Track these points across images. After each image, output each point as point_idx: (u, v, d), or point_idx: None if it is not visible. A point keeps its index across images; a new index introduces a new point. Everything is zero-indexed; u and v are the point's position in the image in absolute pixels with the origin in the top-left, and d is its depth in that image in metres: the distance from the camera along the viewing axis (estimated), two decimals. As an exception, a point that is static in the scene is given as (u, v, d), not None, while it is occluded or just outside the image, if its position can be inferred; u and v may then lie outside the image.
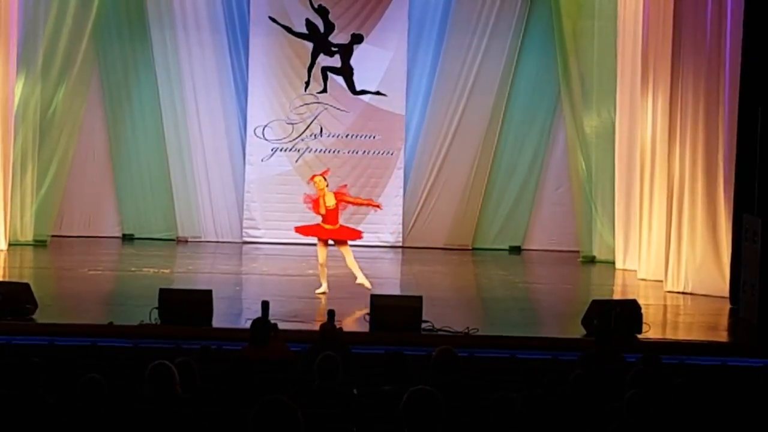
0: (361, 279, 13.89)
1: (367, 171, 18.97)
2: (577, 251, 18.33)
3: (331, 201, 13.81)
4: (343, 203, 14.10)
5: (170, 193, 18.88)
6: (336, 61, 18.90)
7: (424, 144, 19.08)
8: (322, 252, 13.90)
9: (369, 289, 13.50)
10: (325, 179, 13.90)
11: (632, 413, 6.36)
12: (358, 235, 14.36)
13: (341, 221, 14.12)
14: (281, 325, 10.06)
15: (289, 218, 18.92)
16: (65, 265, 16.51)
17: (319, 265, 13.96)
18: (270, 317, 10.19)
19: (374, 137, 19.00)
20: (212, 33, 18.79)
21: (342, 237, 14.01)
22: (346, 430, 6.65)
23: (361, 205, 15.37)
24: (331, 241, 14.02)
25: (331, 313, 10.25)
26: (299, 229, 14.54)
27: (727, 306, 13.96)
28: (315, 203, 13.92)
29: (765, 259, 12.99)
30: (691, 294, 14.75)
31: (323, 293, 13.82)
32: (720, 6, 14.44)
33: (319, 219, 13.97)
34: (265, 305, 10.56)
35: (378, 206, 15.34)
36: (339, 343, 9.27)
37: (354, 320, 12.49)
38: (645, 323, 12.00)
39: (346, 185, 15.06)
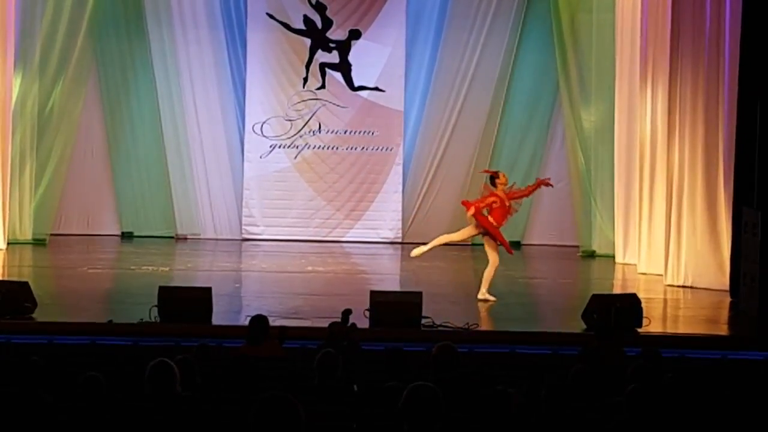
0: (482, 293, 13.45)
1: (366, 167, 18.97)
2: (577, 246, 18.33)
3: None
4: (512, 199, 13.48)
5: (169, 190, 18.86)
6: (334, 57, 18.88)
7: (423, 140, 19.07)
8: (470, 231, 13.50)
9: (491, 301, 13.40)
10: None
11: (633, 407, 6.34)
12: (508, 249, 13.71)
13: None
14: (280, 323, 10.04)
15: (288, 215, 19.00)
16: (64, 263, 16.49)
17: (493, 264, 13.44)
18: (269, 314, 10.16)
19: (373, 133, 18.99)
20: (210, 29, 18.77)
21: (499, 237, 13.48)
22: (346, 427, 6.64)
23: (528, 193, 13.91)
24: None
25: (346, 312, 10.20)
26: (470, 205, 13.55)
27: (728, 299, 13.96)
28: (499, 198, 13.35)
29: (765, 252, 12.98)
30: (691, 287, 14.75)
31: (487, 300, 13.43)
32: (719, -1, 14.43)
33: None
34: (346, 313, 10.34)
35: (548, 182, 13.94)
36: (351, 342, 9.27)
37: (354, 317, 12.46)
38: (645, 317, 11.99)
39: (514, 183, 14.04)
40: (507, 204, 13.42)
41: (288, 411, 4.36)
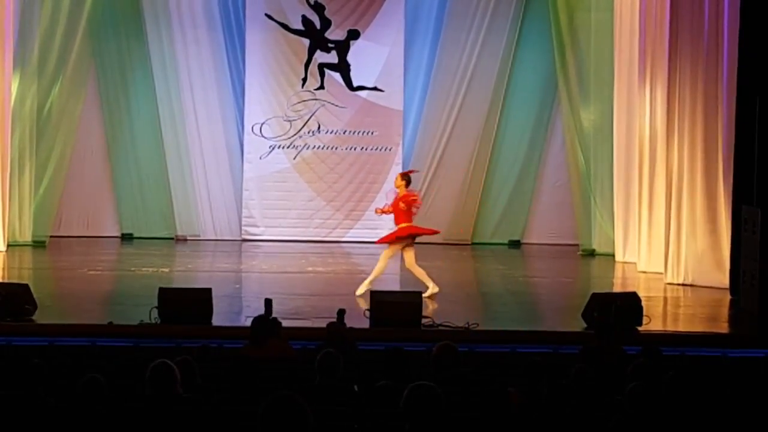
0: (430, 291, 13.38)
1: (366, 167, 18.98)
2: (577, 244, 18.34)
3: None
4: (400, 204, 13.50)
5: (168, 191, 18.86)
6: (333, 58, 18.88)
7: (423, 139, 19.07)
8: (408, 256, 13.52)
9: (435, 292, 13.40)
10: (403, 178, 13.57)
11: (633, 406, 6.34)
12: (432, 230, 13.89)
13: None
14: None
15: (287, 215, 19.01)
16: (64, 265, 16.49)
17: (411, 268, 13.57)
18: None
19: (372, 133, 18.99)
20: (208, 30, 18.77)
21: (417, 232, 13.59)
22: (347, 427, 6.64)
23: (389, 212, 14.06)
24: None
25: (341, 312, 10.22)
26: (384, 240, 14.02)
27: (728, 297, 13.96)
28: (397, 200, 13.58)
29: (764, 250, 12.99)
30: (691, 285, 14.75)
31: (431, 296, 13.29)
32: (717, -4, 14.43)
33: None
34: (268, 303, 10.50)
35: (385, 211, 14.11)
36: (346, 342, 9.27)
37: (354, 317, 12.46)
38: (645, 315, 11.99)
39: (417, 198, 13.89)
40: (400, 205, 13.46)
41: (296, 411, 4.36)
